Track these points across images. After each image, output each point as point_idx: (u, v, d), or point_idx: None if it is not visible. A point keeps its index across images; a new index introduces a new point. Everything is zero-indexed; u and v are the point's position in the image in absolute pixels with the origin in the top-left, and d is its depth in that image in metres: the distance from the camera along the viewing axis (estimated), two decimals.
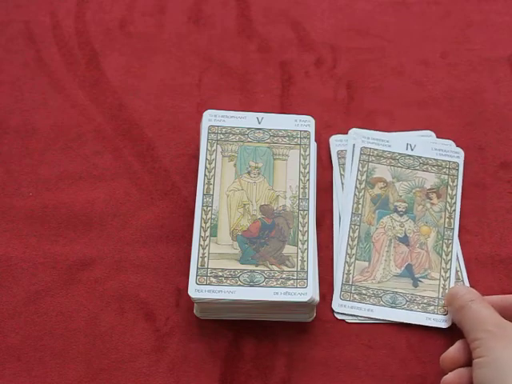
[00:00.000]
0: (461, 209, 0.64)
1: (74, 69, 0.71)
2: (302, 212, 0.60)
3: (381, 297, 0.60)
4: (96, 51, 0.72)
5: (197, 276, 0.57)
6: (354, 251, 0.62)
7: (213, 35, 0.73)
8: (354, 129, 0.67)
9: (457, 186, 0.64)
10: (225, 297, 0.56)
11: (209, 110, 0.64)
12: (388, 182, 0.64)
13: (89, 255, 0.62)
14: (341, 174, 0.65)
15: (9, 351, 0.58)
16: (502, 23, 0.75)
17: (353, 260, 0.61)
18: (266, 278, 0.57)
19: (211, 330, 0.59)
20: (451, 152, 0.66)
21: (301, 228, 0.60)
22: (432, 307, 0.60)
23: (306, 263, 0.58)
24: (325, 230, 0.63)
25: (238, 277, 0.57)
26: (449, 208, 0.64)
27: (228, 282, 0.57)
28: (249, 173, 0.61)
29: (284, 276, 0.57)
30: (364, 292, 0.60)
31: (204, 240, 0.59)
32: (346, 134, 0.67)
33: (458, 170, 0.65)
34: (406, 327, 0.60)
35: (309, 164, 0.62)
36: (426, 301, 0.60)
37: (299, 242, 0.59)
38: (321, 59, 0.72)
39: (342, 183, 0.65)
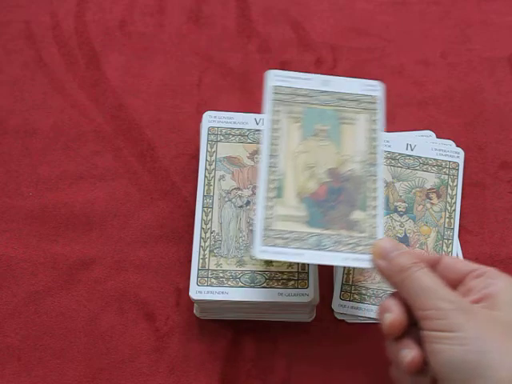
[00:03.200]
0: (461, 209, 0.64)
1: (74, 69, 0.71)
2: (370, 177, 0.57)
3: (381, 297, 0.60)
4: (96, 51, 0.72)
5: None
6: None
7: (213, 35, 0.73)
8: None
9: (457, 185, 0.64)
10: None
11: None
12: (388, 182, 0.64)
13: (89, 255, 0.62)
14: None
15: (9, 351, 0.58)
16: (501, 23, 0.75)
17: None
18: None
19: (211, 330, 0.59)
20: (451, 152, 0.66)
21: (369, 194, 0.56)
22: None
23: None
24: None
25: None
26: (449, 208, 0.64)
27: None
28: (315, 135, 0.60)
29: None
30: (364, 292, 0.60)
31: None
32: None
33: (458, 169, 0.65)
34: None
35: (377, 129, 0.59)
36: None
37: (368, 208, 0.56)
38: (321, 59, 0.73)
39: None
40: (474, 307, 0.47)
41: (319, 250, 0.53)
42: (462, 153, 0.66)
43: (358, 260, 0.53)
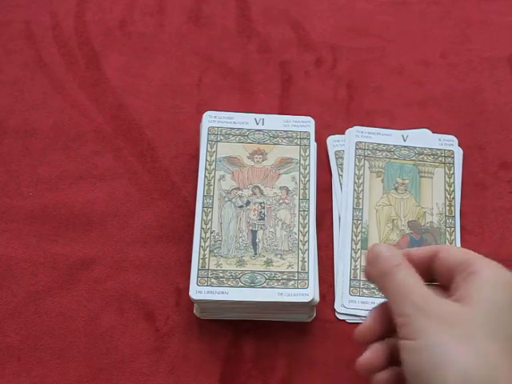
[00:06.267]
0: (461, 209, 0.64)
1: (74, 69, 0.71)
2: (448, 229, 0.62)
3: None
4: (96, 51, 0.72)
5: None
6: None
7: (213, 35, 0.73)
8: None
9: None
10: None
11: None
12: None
13: (89, 255, 0.62)
14: (339, 175, 0.65)
15: (9, 351, 0.58)
16: (501, 23, 0.75)
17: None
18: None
19: (211, 330, 0.59)
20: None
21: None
22: None
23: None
24: (325, 230, 0.63)
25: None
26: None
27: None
28: (396, 189, 0.63)
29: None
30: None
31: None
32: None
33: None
34: None
35: (453, 182, 0.64)
36: None
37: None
38: (321, 59, 0.73)
39: (341, 183, 0.65)
40: (440, 309, 0.45)
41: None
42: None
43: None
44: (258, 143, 0.63)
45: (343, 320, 0.60)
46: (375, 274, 0.49)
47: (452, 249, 0.50)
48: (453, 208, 0.63)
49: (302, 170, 0.62)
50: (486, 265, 0.47)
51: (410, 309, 0.45)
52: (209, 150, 0.63)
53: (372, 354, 0.48)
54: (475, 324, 0.44)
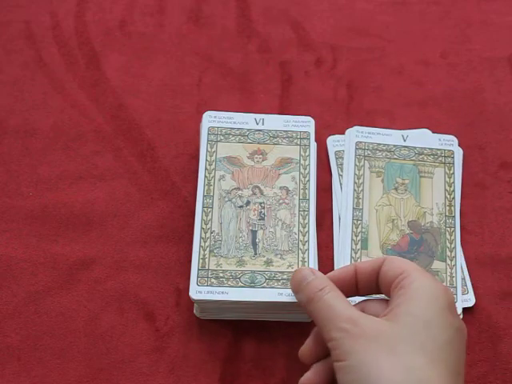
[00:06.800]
0: (461, 209, 0.64)
1: (74, 69, 0.71)
2: (448, 229, 0.62)
3: None
4: (96, 51, 0.72)
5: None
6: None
7: (213, 35, 0.73)
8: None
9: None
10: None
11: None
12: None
13: (89, 255, 0.62)
14: (339, 175, 0.65)
15: (9, 351, 0.58)
16: (501, 23, 0.75)
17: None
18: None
19: (211, 330, 0.59)
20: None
21: (448, 244, 0.61)
22: None
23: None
24: (325, 230, 0.63)
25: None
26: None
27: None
28: (396, 189, 0.63)
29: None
30: None
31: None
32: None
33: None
34: None
35: (453, 182, 0.63)
36: None
37: (447, 258, 0.60)
38: (321, 59, 0.73)
39: (341, 183, 0.65)
40: (366, 328, 0.45)
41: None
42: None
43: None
44: (258, 143, 0.63)
45: None
46: (302, 301, 0.50)
47: (393, 262, 0.50)
48: (453, 208, 0.63)
49: (302, 170, 0.62)
50: (418, 277, 0.47)
51: (337, 333, 0.46)
52: (209, 150, 0.63)
53: (313, 375, 0.49)
54: (402, 339, 0.45)
